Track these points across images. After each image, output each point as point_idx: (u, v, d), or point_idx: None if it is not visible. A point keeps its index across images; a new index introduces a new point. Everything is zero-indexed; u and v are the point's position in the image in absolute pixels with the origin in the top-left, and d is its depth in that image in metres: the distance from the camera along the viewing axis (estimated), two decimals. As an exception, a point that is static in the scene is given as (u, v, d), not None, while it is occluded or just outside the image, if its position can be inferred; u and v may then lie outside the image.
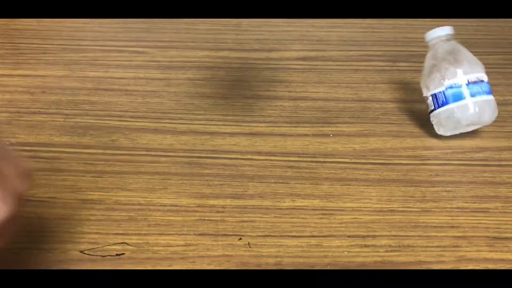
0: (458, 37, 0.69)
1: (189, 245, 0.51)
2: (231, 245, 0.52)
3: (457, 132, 0.66)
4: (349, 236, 0.53)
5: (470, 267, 0.50)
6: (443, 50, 0.67)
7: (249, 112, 0.72)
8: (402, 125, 0.71)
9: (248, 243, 0.52)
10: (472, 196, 0.59)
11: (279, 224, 0.54)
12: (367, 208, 0.57)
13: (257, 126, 0.69)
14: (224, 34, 0.92)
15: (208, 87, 0.77)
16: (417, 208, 0.57)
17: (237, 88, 0.78)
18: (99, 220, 0.54)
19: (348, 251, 0.52)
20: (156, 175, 0.60)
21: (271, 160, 0.63)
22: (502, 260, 0.51)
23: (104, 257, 0.50)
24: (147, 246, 0.51)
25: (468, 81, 0.63)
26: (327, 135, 0.68)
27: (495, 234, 0.54)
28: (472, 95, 0.64)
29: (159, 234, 0.53)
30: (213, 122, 0.69)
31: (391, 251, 0.52)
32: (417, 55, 0.80)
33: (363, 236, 0.53)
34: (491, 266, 0.50)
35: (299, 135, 0.68)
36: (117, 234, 0.52)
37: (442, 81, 0.64)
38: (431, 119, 0.67)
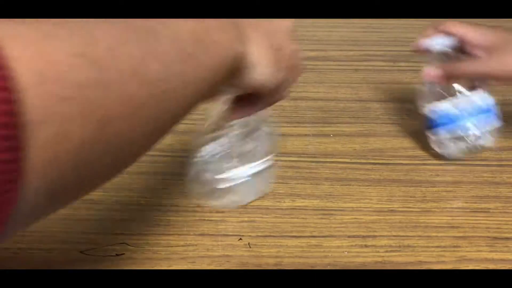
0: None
1: (189, 245, 0.51)
2: (231, 245, 0.52)
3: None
4: (349, 236, 0.53)
5: (471, 267, 0.50)
6: None
7: (249, 112, 0.72)
8: (402, 125, 0.71)
9: (248, 243, 0.52)
10: (472, 196, 0.59)
11: (279, 224, 0.54)
12: (367, 208, 0.57)
13: (257, 126, 0.69)
14: (224, 34, 0.92)
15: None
16: (417, 208, 0.57)
17: (237, 88, 0.77)
18: (99, 220, 0.54)
19: (348, 251, 0.52)
20: (156, 175, 0.60)
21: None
22: (502, 260, 0.51)
23: (104, 257, 0.50)
24: (147, 246, 0.51)
25: None
26: (327, 135, 0.68)
27: (496, 234, 0.54)
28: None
29: (159, 234, 0.53)
30: (213, 122, 0.69)
31: (391, 251, 0.52)
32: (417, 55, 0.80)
33: (363, 236, 0.53)
34: (491, 266, 0.50)
35: (299, 135, 0.68)
36: (117, 234, 0.52)
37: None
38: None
